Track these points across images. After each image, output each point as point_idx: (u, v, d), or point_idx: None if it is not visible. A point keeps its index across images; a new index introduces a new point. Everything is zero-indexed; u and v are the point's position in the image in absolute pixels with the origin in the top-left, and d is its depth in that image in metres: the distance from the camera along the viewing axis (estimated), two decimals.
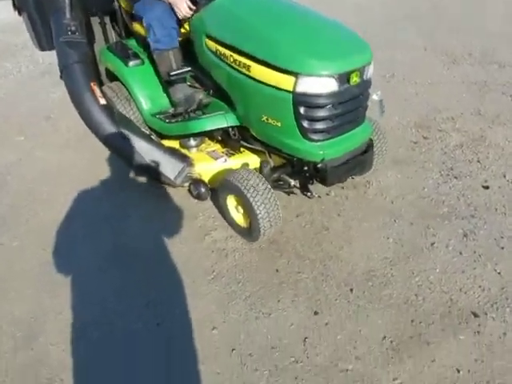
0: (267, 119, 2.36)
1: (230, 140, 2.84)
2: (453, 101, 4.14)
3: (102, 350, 2.04)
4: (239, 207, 2.55)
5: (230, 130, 2.75)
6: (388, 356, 1.95)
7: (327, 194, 2.90)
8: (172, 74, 2.68)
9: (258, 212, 2.35)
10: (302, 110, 2.21)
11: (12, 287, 2.38)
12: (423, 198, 2.88)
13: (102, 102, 2.78)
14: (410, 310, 2.15)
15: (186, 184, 2.81)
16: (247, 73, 2.33)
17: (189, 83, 2.96)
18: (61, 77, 2.88)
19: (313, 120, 2.25)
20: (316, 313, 2.15)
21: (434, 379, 1.87)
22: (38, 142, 3.80)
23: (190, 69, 2.71)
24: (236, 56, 2.36)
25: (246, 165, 2.85)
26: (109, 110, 2.80)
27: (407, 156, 3.32)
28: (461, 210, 2.78)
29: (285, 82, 2.18)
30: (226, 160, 2.86)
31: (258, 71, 2.27)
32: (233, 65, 2.41)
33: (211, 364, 1.95)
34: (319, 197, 2.63)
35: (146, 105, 3.07)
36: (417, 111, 3.95)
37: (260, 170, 2.56)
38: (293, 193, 2.75)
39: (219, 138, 2.93)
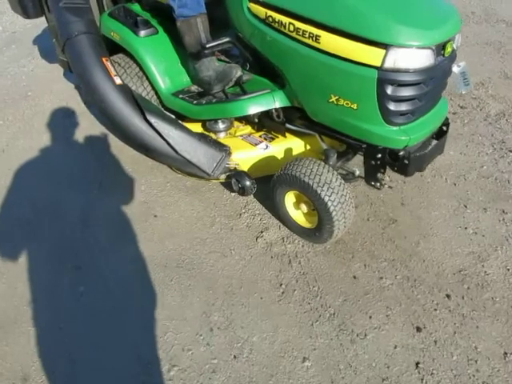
0: (337, 100, 1.96)
1: (271, 123, 2.43)
2: (475, 64, 3.84)
3: None
4: (302, 205, 2.17)
5: (274, 110, 2.33)
6: None
7: (382, 179, 2.54)
8: (209, 45, 2.19)
9: (333, 214, 1.98)
10: (389, 89, 1.82)
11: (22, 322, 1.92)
12: (486, 178, 2.60)
13: (118, 81, 2.28)
14: None
15: (222, 176, 2.38)
16: (314, 44, 1.90)
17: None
18: (62, 51, 2.33)
19: (400, 100, 1.87)
20: (419, 329, 1.84)
21: None
22: (19, 126, 3.20)
23: (229, 39, 2.23)
24: (298, 24, 1.93)
25: (289, 150, 2.46)
26: (127, 91, 2.30)
27: (452, 129, 3.00)
28: None
29: (370, 55, 1.78)
30: (267, 146, 2.45)
31: (331, 43, 1.85)
32: (292, 35, 1.97)
33: None
34: (390, 187, 2.27)
35: (163, 82, 2.57)
36: None
37: (325, 158, 2.16)
38: (348, 181, 2.38)
39: (256, 120, 2.49)
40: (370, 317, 1.90)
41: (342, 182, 2.03)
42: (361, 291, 2.00)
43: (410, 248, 2.19)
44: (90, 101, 2.31)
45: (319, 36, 1.87)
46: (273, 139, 2.49)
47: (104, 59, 2.28)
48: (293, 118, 2.35)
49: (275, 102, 2.25)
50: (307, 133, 2.37)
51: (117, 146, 2.88)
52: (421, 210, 2.39)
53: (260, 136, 2.52)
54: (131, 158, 2.81)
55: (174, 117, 2.41)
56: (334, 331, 1.85)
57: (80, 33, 2.24)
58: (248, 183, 2.29)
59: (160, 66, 2.57)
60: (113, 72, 2.29)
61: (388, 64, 1.77)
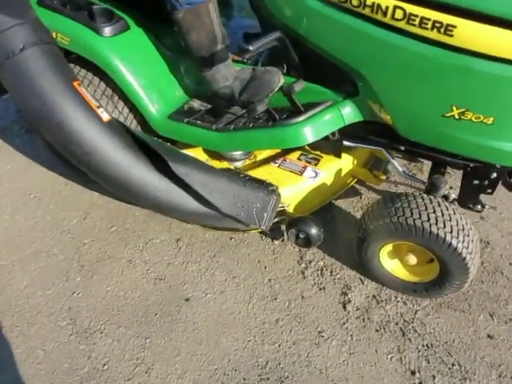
0: (461, 114, 1.41)
1: (321, 142, 1.78)
2: None
3: None
4: (410, 257, 1.61)
5: None
6: None
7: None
8: (254, 47, 1.45)
9: (471, 268, 1.49)
10: None
11: None
12: None
13: (105, 116, 1.47)
14: None
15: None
16: (443, 39, 1.30)
17: None
18: None
19: None
20: None
21: None
22: None
23: (279, 34, 1.50)
24: (414, 9, 1.30)
25: (340, 172, 1.88)
26: (121, 130, 1.50)
27: None
28: None
29: None
30: (316, 173, 1.83)
31: (473, 36, 1.27)
32: (398, 25, 1.35)
33: None
34: (493, 208, 1.79)
35: (151, 102, 1.76)
36: None
37: (431, 189, 1.61)
38: None
39: None
40: None
41: (470, 221, 1.52)
42: (510, 357, 1.54)
43: None
44: (62, 152, 1.45)
45: (453, 27, 1.27)
46: (317, 161, 1.90)
47: (76, 84, 1.43)
48: (353, 133, 1.74)
49: (343, 118, 1.61)
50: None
51: (77, 193, 2.00)
52: (505, 222, 1.99)
53: (299, 159, 1.88)
54: (105, 210, 1.98)
55: (193, 155, 1.65)
56: None
57: (29, 44, 1.37)
58: (314, 231, 1.67)
59: (142, 79, 1.75)
60: (94, 103, 1.46)
61: None
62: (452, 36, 1.28)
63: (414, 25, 1.31)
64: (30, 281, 1.77)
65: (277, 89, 1.59)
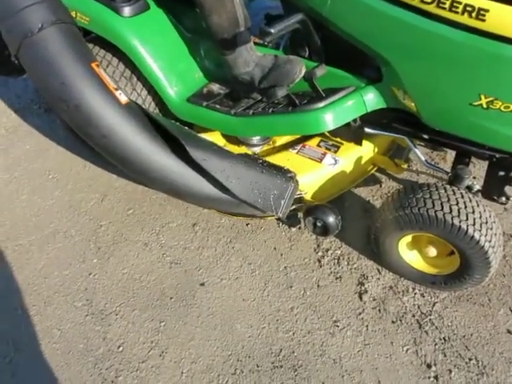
0: (490, 103, 1.35)
1: (342, 128, 1.74)
2: None
3: None
4: (430, 249, 1.57)
5: None
6: None
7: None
8: (275, 29, 1.40)
9: (493, 263, 1.45)
10: None
11: None
12: None
13: (124, 98, 1.44)
14: None
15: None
16: (474, 24, 1.25)
17: None
18: (15, 60, 1.41)
19: None
20: None
21: None
22: None
23: (302, 16, 1.46)
24: None
25: (360, 160, 1.84)
26: (139, 113, 1.48)
27: None
28: None
29: None
30: (335, 160, 1.79)
31: (506, 21, 1.21)
32: (427, 9, 1.30)
33: None
34: None
35: (170, 84, 1.74)
36: None
37: (455, 180, 1.56)
38: None
39: None
40: None
41: (493, 214, 1.47)
42: None
43: None
44: (83, 134, 1.44)
45: (486, 10, 1.21)
46: (337, 148, 1.85)
47: (94, 65, 1.41)
48: (375, 120, 1.69)
49: (366, 104, 1.57)
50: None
51: (95, 174, 2.00)
52: None
53: (318, 145, 1.85)
54: (123, 192, 1.98)
55: (210, 140, 1.63)
56: None
57: (48, 23, 1.35)
58: (332, 220, 1.64)
59: (161, 60, 1.72)
60: (112, 84, 1.44)
61: None
62: (484, 21, 1.22)
63: (444, 8, 1.25)
64: (47, 261, 1.78)
65: (298, 80, 1.55)
